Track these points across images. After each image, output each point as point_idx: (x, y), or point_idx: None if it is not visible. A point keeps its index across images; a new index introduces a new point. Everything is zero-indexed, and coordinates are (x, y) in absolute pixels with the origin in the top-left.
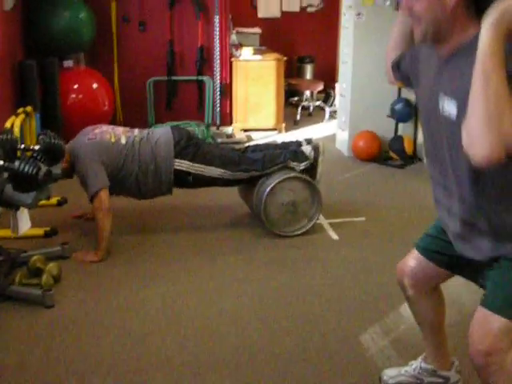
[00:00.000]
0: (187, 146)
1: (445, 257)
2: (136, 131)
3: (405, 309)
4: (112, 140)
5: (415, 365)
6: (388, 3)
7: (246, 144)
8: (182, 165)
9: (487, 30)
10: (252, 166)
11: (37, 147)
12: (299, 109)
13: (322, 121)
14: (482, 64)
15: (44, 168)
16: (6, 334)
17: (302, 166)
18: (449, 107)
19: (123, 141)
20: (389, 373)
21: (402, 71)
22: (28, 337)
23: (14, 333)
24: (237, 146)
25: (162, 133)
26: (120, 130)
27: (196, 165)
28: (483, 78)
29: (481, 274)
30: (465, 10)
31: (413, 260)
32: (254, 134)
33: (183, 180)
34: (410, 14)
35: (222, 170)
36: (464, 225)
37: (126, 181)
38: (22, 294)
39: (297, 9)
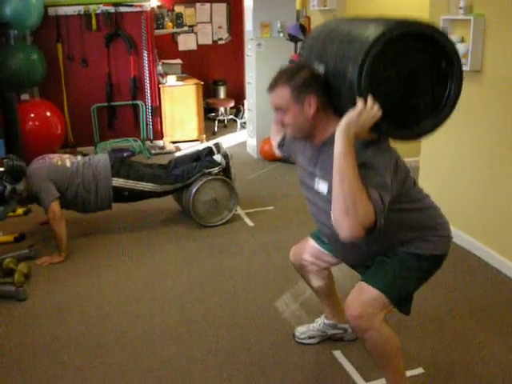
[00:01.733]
0: (121, 166)
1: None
2: (79, 157)
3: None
4: (59, 163)
5: (320, 321)
6: (281, 35)
7: (170, 159)
8: (119, 182)
9: (338, 136)
10: (175, 180)
11: (1, 169)
12: (216, 122)
13: (235, 130)
14: (337, 164)
15: (9, 186)
16: None
17: (215, 170)
18: (322, 187)
19: (68, 164)
20: (300, 329)
21: (286, 150)
22: (6, 326)
23: None
24: (167, 156)
25: (101, 158)
26: (65, 156)
27: (130, 181)
28: (339, 175)
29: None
30: (323, 113)
31: (308, 246)
32: (181, 145)
33: (121, 195)
34: (282, 124)
35: (152, 185)
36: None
37: (72, 197)
38: None
39: (210, 42)
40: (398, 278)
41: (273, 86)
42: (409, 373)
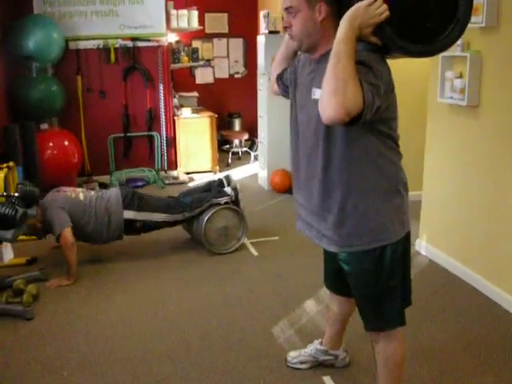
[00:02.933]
0: (132, 199)
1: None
2: (92, 192)
3: (307, 306)
4: (72, 195)
5: (312, 347)
6: None
7: (181, 191)
8: (131, 214)
9: (342, 22)
10: (184, 209)
11: (16, 194)
12: (230, 154)
13: (249, 163)
14: (335, 48)
15: (21, 210)
16: None
17: (224, 200)
18: (318, 94)
19: (81, 197)
20: (292, 354)
21: (284, 82)
22: (12, 342)
23: (1, 340)
24: (180, 186)
25: (113, 192)
26: (78, 189)
27: (141, 213)
28: (335, 58)
29: None
30: (331, 23)
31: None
32: (194, 176)
33: (133, 226)
34: (289, 29)
35: (163, 215)
36: (321, 201)
37: (84, 229)
38: (8, 310)
39: (226, 76)
40: (386, 296)
41: None
42: None
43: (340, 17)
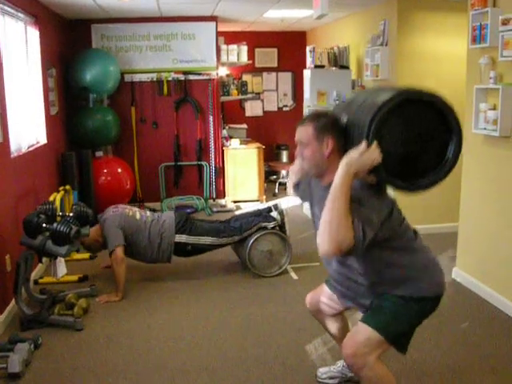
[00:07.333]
0: (184, 224)
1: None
2: (148, 213)
3: None
4: (130, 213)
5: (340, 363)
6: (337, 103)
7: (230, 216)
8: (182, 238)
9: (340, 169)
10: (233, 233)
11: (71, 214)
12: (277, 184)
13: None
14: (333, 190)
15: (74, 228)
16: (47, 348)
17: (271, 224)
18: None
19: (137, 217)
20: (322, 370)
21: (300, 191)
22: (62, 350)
23: (53, 347)
24: (228, 214)
25: (167, 216)
26: (135, 209)
27: (192, 237)
28: (332, 199)
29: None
30: (337, 156)
31: (324, 290)
32: (242, 204)
33: (184, 249)
34: (301, 157)
35: (213, 238)
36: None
37: (136, 247)
38: (60, 321)
39: (275, 109)
40: (390, 318)
41: (301, 123)
42: None
43: (345, 152)
